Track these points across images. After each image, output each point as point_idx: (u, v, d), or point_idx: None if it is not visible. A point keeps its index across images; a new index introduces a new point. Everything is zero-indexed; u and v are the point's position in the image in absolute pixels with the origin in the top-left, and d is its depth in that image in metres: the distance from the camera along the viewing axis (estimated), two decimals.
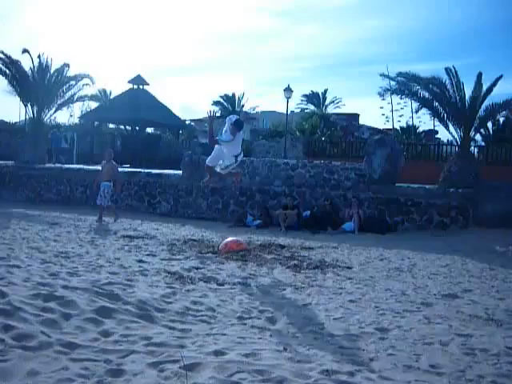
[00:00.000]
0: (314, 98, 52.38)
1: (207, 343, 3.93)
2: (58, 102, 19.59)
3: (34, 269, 5.92)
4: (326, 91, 51.96)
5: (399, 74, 15.04)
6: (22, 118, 29.16)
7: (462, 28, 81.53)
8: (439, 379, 3.54)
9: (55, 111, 19.92)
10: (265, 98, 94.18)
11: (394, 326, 4.89)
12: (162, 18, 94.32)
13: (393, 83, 15.77)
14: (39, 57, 19.00)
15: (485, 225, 12.15)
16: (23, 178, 17.92)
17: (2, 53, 18.52)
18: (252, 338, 4.21)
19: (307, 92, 52.75)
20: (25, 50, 18.68)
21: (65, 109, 20.75)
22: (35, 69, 18.98)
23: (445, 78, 14.15)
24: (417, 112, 28.22)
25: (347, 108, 51.02)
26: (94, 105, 32.40)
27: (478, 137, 23.04)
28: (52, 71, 19.17)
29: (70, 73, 19.61)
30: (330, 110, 50.18)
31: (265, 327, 4.64)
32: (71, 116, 35.24)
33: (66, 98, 19.70)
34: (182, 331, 4.27)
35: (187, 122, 45.89)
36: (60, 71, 19.28)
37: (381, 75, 15.71)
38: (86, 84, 19.64)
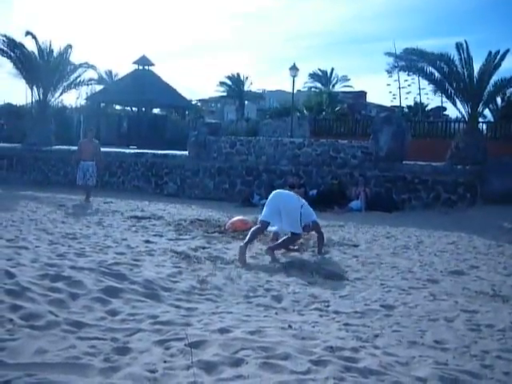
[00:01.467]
0: (320, 76, 51.87)
1: (213, 321, 3.96)
2: (64, 84, 19.54)
3: (42, 250, 5.99)
4: (332, 70, 51.47)
5: (405, 50, 14.83)
6: (29, 100, 29.15)
7: (470, 2, 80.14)
8: (444, 355, 3.56)
9: (61, 93, 19.89)
10: (272, 78, 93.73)
11: (399, 303, 4.91)
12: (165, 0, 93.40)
13: (399, 61, 15.56)
14: (41, 40, 18.91)
15: (492, 201, 12.08)
16: (30, 160, 17.99)
17: (6, 36, 18.44)
18: (257, 316, 4.24)
19: (314, 70, 52.27)
20: (28, 33, 18.57)
21: (72, 91, 20.71)
22: (39, 51, 18.89)
23: (453, 53, 13.96)
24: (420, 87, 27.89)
25: (354, 86, 50.44)
26: (99, 87, 32.36)
27: (486, 113, 22.81)
28: (56, 53, 19.07)
29: (74, 56, 19.59)
30: (338, 88, 49.75)
31: (270, 305, 4.67)
32: (78, 98, 35.16)
33: (71, 80, 19.64)
34: (188, 310, 4.31)
35: (194, 103, 45.75)
36: (63, 53, 19.18)
37: (386, 54, 15.48)
38: (89, 67, 19.57)
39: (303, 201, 7.25)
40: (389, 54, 15.49)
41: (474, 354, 3.61)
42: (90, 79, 20.58)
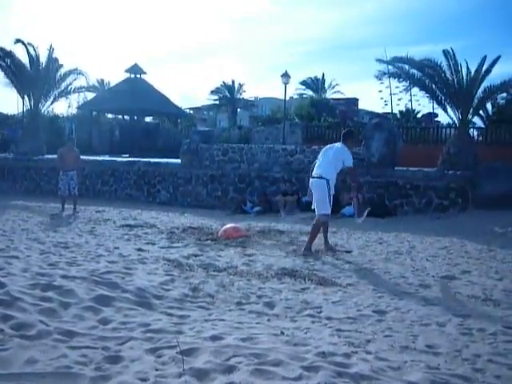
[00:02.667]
0: (312, 83, 52.13)
1: (205, 329, 3.95)
2: (55, 93, 19.51)
3: (33, 259, 5.96)
4: (324, 77, 51.73)
5: (394, 59, 14.96)
6: (21, 109, 29.09)
7: (460, 9, 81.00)
8: (435, 359, 3.57)
9: (52, 102, 19.86)
10: (264, 85, 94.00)
11: (391, 308, 4.92)
12: (160, 4, 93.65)
13: (390, 67, 15.70)
14: (33, 47, 18.86)
15: (484, 206, 12.14)
16: (22, 169, 17.93)
17: None
18: (250, 323, 4.24)
19: (306, 77, 52.51)
20: (18, 41, 18.53)
21: (63, 99, 20.68)
22: (30, 60, 18.85)
23: (441, 59, 14.08)
24: (408, 91, 28.04)
25: (346, 92, 50.75)
26: (91, 95, 32.34)
27: (477, 119, 22.98)
28: (46, 62, 19.02)
29: (65, 64, 19.57)
30: (329, 94, 49.99)
31: (263, 312, 4.67)
32: (69, 107, 35.10)
33: (62, 88, 19.62)
34: (180, 317, 4.30)
35: (186, 111, 45.80)
36: (54, 61, 19.15)
37: (377, 60, 15.59)
38: (80, 74, 19.54)
39: None
40: (380, 61, 15.60)
41: (466, 357, 3.62)
42: (81, 87, 20.53)
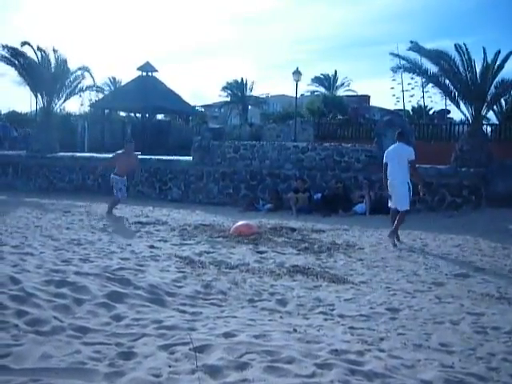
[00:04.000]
0: (324, 80, 51.96)
1: (218, 326, 3.96)
2: (67, 91, 19.63)
3: (47, 256, 6.00)
4: (336, 73, 51.52)
5: (410, 49, 14.79)
6: (34, 108, 29.37)
7: (472, 4, 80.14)
8: (449, 357, 3.54)
9: (64, 100, 19.97)
10: (275, 82, 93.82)
11: (404, 306, 4.89)
12: (170, 3, 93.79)
13: (403, 62, 15.58)
14: (41, 49, 18.96)
15: (497, 204, 12.02)
16: (35, 167, 18.05)
17: (7, 47, 18.55)
18: (262, 320, 4.24)
19: (318, 74, 52.37)
20: (24, 43, 18.63)
21: (75, 97, 20.80)
22: (42, 59, 18.98)
23: (454, 54, 13.93)
24: (423, 87, 27.79)
25: (358, 90, 50.48)
26: (103, 93, 32.49)
27: (490, 115, 22.76)
28: (58, 61, 19.15)
29: (77, 63, 19.71)
30: (341, 92, 49.80)
31: (275, 309, 4.66)
32: (82, 105, 35.31)
33: (74, 87, 19.73)
34: (192, 314, 4.31)
35: (197, 108, 45.87)
36: (65, 61, 19.29)
37: (391, 54, 15.51)
38: (87, 71, 19.61)
39: None
40: (393, 55, 15.50)
41: (480, 356, 3.59)
42: (92, 85, 20.61)
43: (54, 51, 19.06)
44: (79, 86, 19.84)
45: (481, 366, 3.42)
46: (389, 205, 9.33)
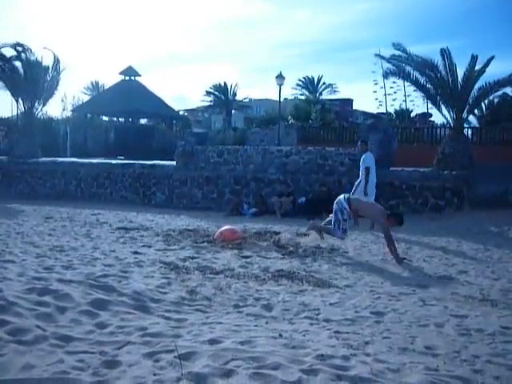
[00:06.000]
0: (308, 84, 52.19)
1: (203, 332, 3.92)
2: (49, 96, 19.44)
3: (29, 263, 5.90)
4: (320, 78, 51.77)
5: (393, 56, 14.98)
6: (15, 112, 28.99)
7: (452, 9, 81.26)
8: (434, 360, 3.56)
9: (44, 104, 19.76)
10: (258, 86, 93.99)
11: (389, 310, 4.91)
12: (153, 8, 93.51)
13: (386, 65, 15.77)
14: (25, 51, 18.76)
15: (479, 206, 12.18)
16: (17, 173, 17.84)
17: None
18: (248, 326, 4.22)
19: (301, 78, 52.57)
20: (15, 45, 18.43)
21: (58, 101, 20.67)
22: (23, 63, 18.78)
23: (437, 59, 14.12)
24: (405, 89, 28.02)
25: (341, 93, 50.80)
26: (86, 98, 32.25)
27: (472, 118, 23.09)
28: (39, 65, 18.97)
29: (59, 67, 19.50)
30: (325, 95, 50.06)
31: (260, 314, 4.64)
32: (64, 109, 35.00)
33: (56, 91, 19.58)
34: (177, 321, 4.27)
35: (181, 113, 45.74)
36: (48, 66, 19.11)
37: (376, 55, 15.71)
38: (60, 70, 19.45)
39: None
40: (378, 56, 15.68)
41: (465, 358, 3.61)
42: (75, 90, 20.48)
43: (34, 54, 18.89)
44: (63, 91, 19.72)
45: (465, 368, 3.43)
46: None
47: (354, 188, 10.83)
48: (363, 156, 10.79)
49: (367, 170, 10.56)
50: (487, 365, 3.50)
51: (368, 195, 10.24)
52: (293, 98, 49.82)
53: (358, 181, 10.83)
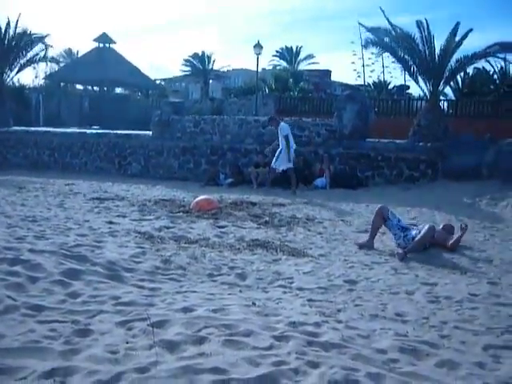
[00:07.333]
0: (286, 54, 51.66)
1: (176, 301, 3.93)
2: (20, 62, 18.88)
3: (0, 234, 5.81)
4: (298, 48, 51.23)
5: (372, 29, 14.94)
6: None
7: None
8: (404, 326, 3.64)
9: (17, 72, 19.21)
10: (237, 56, 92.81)
11: (362, 278, 4.99)
12: None
13: (365, 35, 15.71)
14: None
15: (453, 178, 12.34)
16: None
17: None
18: (222, 295, 4.24)
19: (278, 49, 51.98)
20: None
21: (29, 69, 20.08)
22: None
23: (414, 31, 14.08)
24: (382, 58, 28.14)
25: (320, 64, 50.39)
26: (59, 66, 31.42)
27: (448, 91, 23.21)
28: (9, 30, 18.36)
29: (31, 32, 18.88)
30: (303, 66, 49.64)
31: (235, 283, 4.67)
32: (36, 77, 34.06)
33: (28, 57, 18.99)
34: (151, 290, 4.26)
35: (157, 82, 44.98)
36: (20, 31, 18.49)
37: (359, 24, 15.73)
38: (42, 41, 18.89)
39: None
40: (361, 25, 15.66)
41: (433, 324, 3.70)
42: (47, 56, 19.89)
43: (8, 20, 18.27)
44: (35, 57, 19.12)
45: (433, 333, 3.52)
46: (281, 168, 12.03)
47: (275, 156, 11.99)
48: (279, 126, 11.90)
49: (286, 137, 11.71)
50: (454, 330, 3.60)
51: (291, 161, 11.81)
52: (271, 67, 49.35)
53: (280, 149, 11.88)
